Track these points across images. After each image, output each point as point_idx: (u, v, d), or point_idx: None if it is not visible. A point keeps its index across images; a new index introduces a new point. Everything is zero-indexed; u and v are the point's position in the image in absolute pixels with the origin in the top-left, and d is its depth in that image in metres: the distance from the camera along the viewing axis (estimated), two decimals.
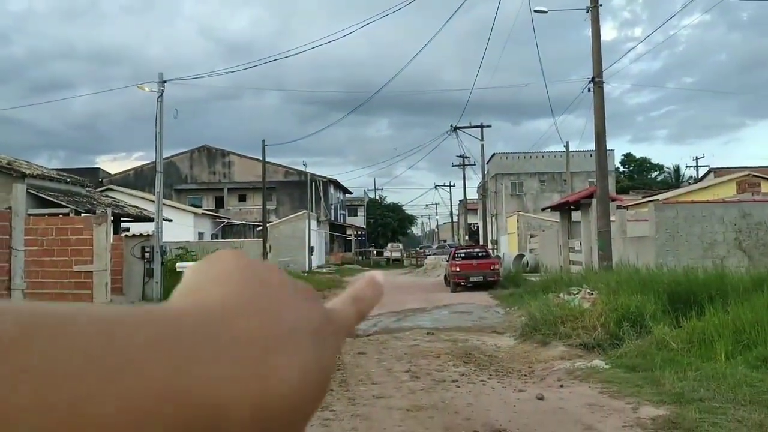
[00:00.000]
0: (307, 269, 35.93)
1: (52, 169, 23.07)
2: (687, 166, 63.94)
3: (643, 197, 31.60)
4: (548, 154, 50.98)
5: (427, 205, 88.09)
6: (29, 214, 13.88)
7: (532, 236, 33.49)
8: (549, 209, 26.32)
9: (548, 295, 12.11)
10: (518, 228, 37.31)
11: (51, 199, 17.01)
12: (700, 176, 48.89)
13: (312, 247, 39.84)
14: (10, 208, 10.68)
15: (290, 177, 49.14)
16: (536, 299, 11.94)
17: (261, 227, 33.53)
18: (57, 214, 14.98)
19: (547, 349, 8.82)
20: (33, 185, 16.64)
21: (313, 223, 42.35)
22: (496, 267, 22.24)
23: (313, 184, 47.31)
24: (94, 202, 19.30)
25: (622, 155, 68.69)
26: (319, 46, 33.46)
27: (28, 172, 17.71)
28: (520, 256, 29.57)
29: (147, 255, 15.76)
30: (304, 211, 41.41)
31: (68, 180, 20.30)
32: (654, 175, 68.38)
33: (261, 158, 33.74)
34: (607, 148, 16.52)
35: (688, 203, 16.89)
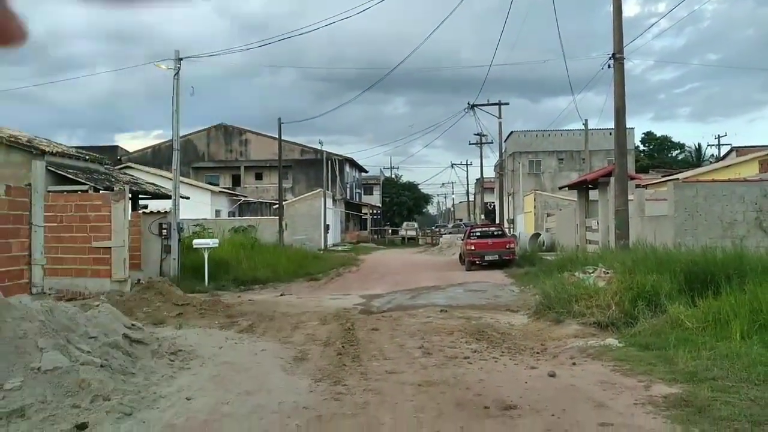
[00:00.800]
0: (322, 247, 36.11)
1: (72, 147, 23.31)
2: (709, 145, 62.59)
3: (663, 176, 31.15)
4: (567, 132, 50.33)
5: (443, 184, 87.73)
6: (49, 191, 14.07)
7: (548, 215, 33.24)
8: (566, 188, 26.07)
9: (563, 273, 12.05)
10: (535, 207, 37.05)
11: (70, 176, 17.20)
12: (722, 155, 47.99)
13: (327, 226, 39.97)
14: (29, 184, 10.82)
15: (306, 155, 49.15)
16: (551, 278, 11.89)
17: (277, 205, 33.67)
18: (76, 191, 15.16)
19: (560, 327, 8.80)
20: (52, 162, 16.83)
21: (329, 202, 42.45)
22: (512, 246, 22.16)
23: (329, 162, 47.28)
24: (113, 180, 19.49)
25: (643, 133, 67.61)
26: (336, 22, 33.15)
27: (47, 149, 17.89)
28: (537, 235, 29.41)
29: (164, 232, 15.94)
30: (320, 189, 41.47)
31: (87, 157, 20.50)
32: (675, 153, 67.26)
33: (277, 136, 33.76)
34: (627, 126, 16.25)
35: (708, 182, 16.61)
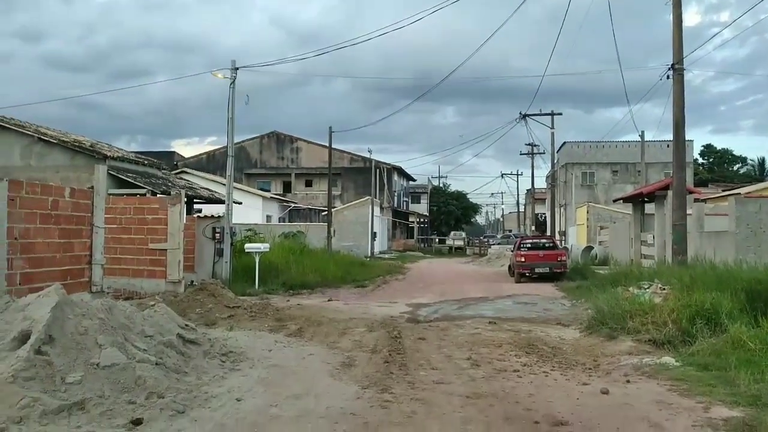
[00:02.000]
0: (369, 254, 36.25)
1: (131, 152, 24.22)
2: None
3: (724, 190, 29.94)
4: (622, 143, 49.09)
5: (492, 194, 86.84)
6: (109, 194, 14.63)
7: (602, 228, 32.42)
8: (621, 200, 25.37)
9: (617, 288, 11.71)
10: (588, 219, 36.20)
11: (129, 180, 17.86)
12: None
13: (375, 233, 40.13)
14: (92, 187, 11.28)
15: (355, 163, 49.57)
16: (604, 292, 11.57)
17: (326, 212, 34.03)
18: (135, 195, 15.71)
19: (614, 343, 8.55)
20: (113, 167, 17.52)
21: (377, 209, 42.62)
22: (563, 258, 21.70)
23: (378, 170, 47.52)
24: (169, 184, 20.13)
25: (702, 146, 65.40)
26: (388, 33, 33.39)
27: (108, 154, 18.66)
28: (589, 248, 28.72)
29: (217, 235, 16.32)
30: (368, 197, 41.71)
31: (145, 162, 21.25)
32: (736, 167, 64.68)
33: (327, 144, 34.17)
34: (686, 138, 15.71)
35: None
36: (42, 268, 9.69)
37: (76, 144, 18.36)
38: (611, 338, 8.79)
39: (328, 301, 14.62)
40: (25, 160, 17.80)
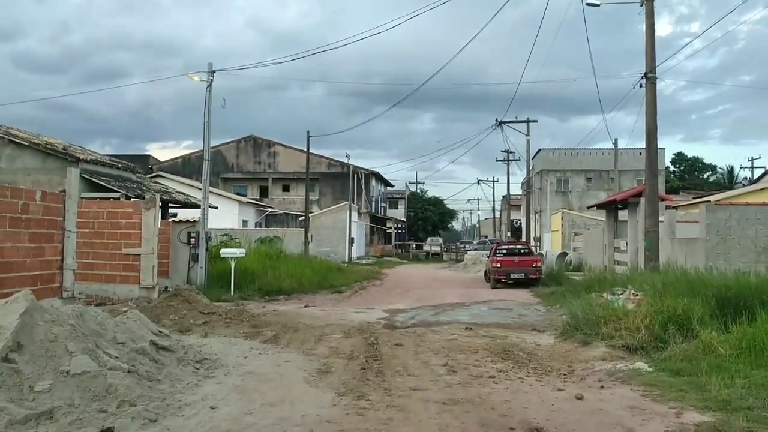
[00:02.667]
0: (347, 260, 36.16)
1: (105, 155, 23.84)
2: (742, 167, 61.35)
3: (694, 198, 30.56)
4: (596, 151, 49.82)
5: (469, 200, 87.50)
6: (82, 198, 14.38)
7: (576, 234, 32.82)
8: (595, 207, 25.75)
9: (591, 294, 11.86)
10: (562, 226, 36.63)
11: (103, 183, 17.56)
12: (755, 177, 46.92)
13: (352, 239, 40.07)
14: (64, 191, 11.07)
15: (333, 168, 49.47)
16: (579, 298, 11.71)
17: (303, 217, 33.88)
18: (108, 198, 15.47)
19: (588, 349, 8.64)
20: (86, 170, 17.21)
21: (354, 215, 42.57)
22: (538, 264, 21.91)
23: (356, 176, 47.50)
24: (144, 188, 19.84)
25: (673, 154, 66.63)
26: (366, 38, 33.47)
27: (82, 157, 18.33)
28: (564, 255, 29.05)
29: (193, 240, 16.13)
30: (346, 202, 41.65)
31: (120, 166, 20.94)
32: (706, 175, 66.05)
33: (305, 149, 34.07)
34: (658, 146, 16.02)
35: (741, 205, 16.24)
36: (11, 273, 9.47)
37: (48, 146, 18.00)
38: (585, 344, 8.88)
39: (305, 307, 14.53)
40: None
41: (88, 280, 12.91)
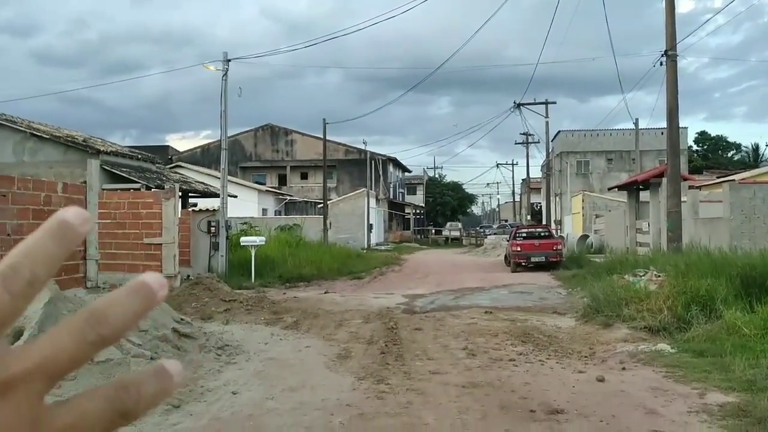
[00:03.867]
0: (365, 246, 36.26)
1: (125, 147, 24.10)
2: (767, 145, 60.10)
3: (718, 177, 30.00)
4: (616, 131, 49.09)
5: (488, 184, 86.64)
6: (103, 189, 14.57)
7: (597, 216, 32.48)
8: (616, 189, 25.41)
9: (613, 276, 11.74)
10: (583, 208, 36.27)
11: (123, 174, 17.75)
12: None
13: (371, 225, 40.14)
14: (85, 182, 11.24)
15: (350, 155, 49.44)
16: (600, 280, 11.60)
17: (322, 204, 33.99)
18: (129, 189, 15.64)
19: (609, 331, 8.57)
20: (107, 161, 17.41)
21: (372, 201, 42.60)
22: (559, 247, 21.72)
23: (373, 162, 47.46)
24: (164, 178, 20.04)
25: (696, 133, 65.36)
26: (379, 22, 33.22)
27: (102, 148, 18.53)
28: (585, 237, 28.78)
29: (213, 229, 16.27)
30: (364, 189, 41.68)
31: (139, 156, 21.15)
32: (731, 154, 64.76)
33: (322, 137, 34.08)
34: (680, 125, 15.72)
35: (766, 183, 15.91)
36: None
37: (69, 139, 18.22)
38: (607, 326, 8.81)
39: (325, 293, 14.62)
40: (17, 156, 17.68)
41: (112, 269, 13.12)
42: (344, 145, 50.16)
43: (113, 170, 17.54)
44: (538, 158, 49.56)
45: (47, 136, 17.84)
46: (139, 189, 16.16)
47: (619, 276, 11.55)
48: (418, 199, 65.79)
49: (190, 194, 21.35)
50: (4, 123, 17.99)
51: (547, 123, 35.03)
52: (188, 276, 14.34)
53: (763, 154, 57.69)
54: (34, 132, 17.79)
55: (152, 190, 15.76)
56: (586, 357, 7.27)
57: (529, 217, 46.81)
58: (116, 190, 15.24)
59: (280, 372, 6.55)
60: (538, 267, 20.64)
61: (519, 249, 21.47)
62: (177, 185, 15.94)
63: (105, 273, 12.53)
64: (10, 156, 17.61)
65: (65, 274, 10.13)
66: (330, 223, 32.09)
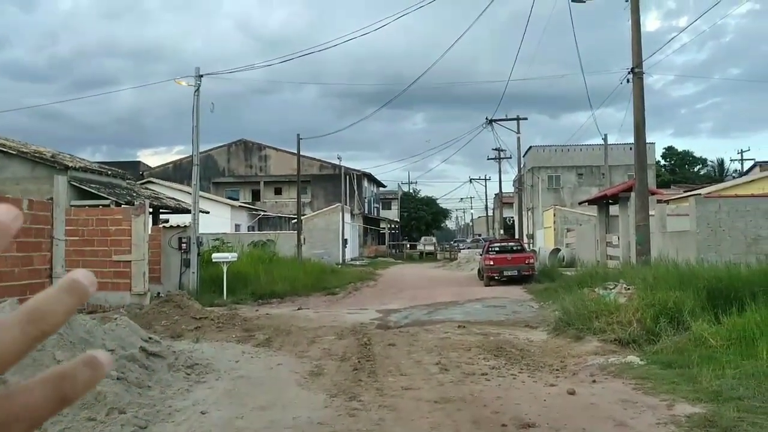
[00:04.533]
0: (340, 261, 36.12)
1: (95, 162, 23.71)
2: (732, 160, 61.77)
3: (685, 191, 30.71)
4: (586, 147, 49.97)
5: (461, 199, 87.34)
6: (71, 205, 14.28)
7: (568, 230, 32.91)
8: (586, 203, 25.83)
9: (584, 289, 11.88)
10: (555, 222, 36.72)
11: (92, 190, 17.45)
12: (745, 170, 47.23)
13: (346, 240, 40.03)
14: (51, 198, 11.01)
15: (325, 170, 49.40)
16: (571, 294, 11.72)
17: (296, 220, 33.83)
18: (98, 206, 15.37)
19: (580, 344, 8.66)
20: (75, 177, 17.11)
21: (347, 216, 42.55)
22: (531, 261, 21.94)
23: (347, 177, 47.47)
24: (134, 194, 19.74)
25: (664, 148, 66.90)
26: (355, 38, 33.49)
27: (70, 164, 18.22)
28: (556, 251, 29.12)
29: (184, 246, 16.05)
30: (338, 204, 41.61)
31: (109, 172, 20.82)
32: (697, 168, 66.42)
33: (296, 152, 34.00)
34: (648, 141, 16.09)
35: (731, 197, 16.35)
36: None
37: (37, 155, 17.87)
38: (578, 339, 8.90)
39: (298, 309, 14.49)
40: None
41: None
42: (319, 160, 50.12)
43: (82, 186, 17.23)
44: (510, 173, 50.31)
45: (14, 152, 17.47)
46: (108, 205, 15.88)
47: (590, 289, 11.69)
48: (393, 213, 65.93)
49: (161, 210, 21.07)
50: None
51: (518, 138, 35.53)
52: (158, 293, 14.10)
53: (727, 169, 59.26)
54: (1, 148, 17.41)
55: (122, 206, 15.51)
56: (557, 370, 7.33)
57: (502, 232, 47.25)
58: (84, 206, 14.97)
59: (250, 390, 6.46)
60: (511, 281, 20.80)
61: (492, 263, 21.62)
62: (147, 201, 15.71)
63: None
64: None
65: (30, 292, 9.86)
66: (304, 239, 31.91)
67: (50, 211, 10.88)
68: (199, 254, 16.24)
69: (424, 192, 79.90)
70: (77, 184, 16.82)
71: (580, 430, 5.07)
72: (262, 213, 42.69)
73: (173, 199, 23.55)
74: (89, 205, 15.40)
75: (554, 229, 36.06)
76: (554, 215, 37.24)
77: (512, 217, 53.83)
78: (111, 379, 5.43)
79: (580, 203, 30.69)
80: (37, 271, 10.36)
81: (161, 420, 5.23)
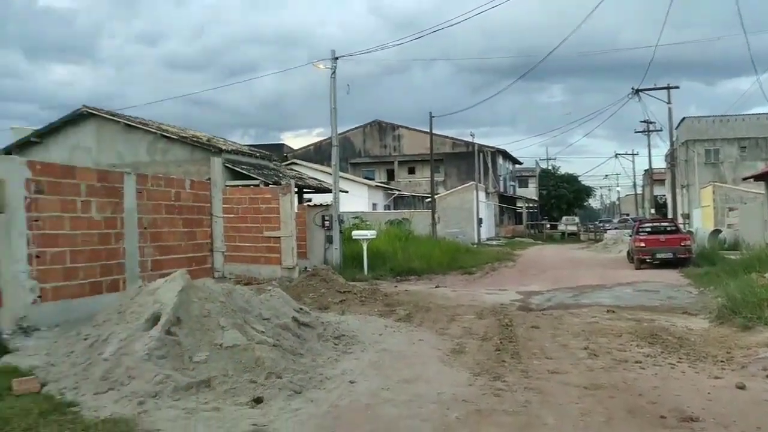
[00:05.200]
0: (476, 241, 35.82)
1: (244, 145, 25.45)
2: None
3: None
4: (750, 116, 44.86)
5: (606, 176, 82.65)
6: (226, 185, 15.45)
7: (730, 210, 29.90)
8: (752, 179, 23.22)
9: (751, 274, 10.71)
10: (714, 201, 33.53)
11: (243, 171, 18.75)
12: None
13: (480, 219, 39.57)
14: (209, 179, 11.97)
15: (458, 148, 49.03)
16: (736, 279, 10.64)
17: (429, 199, 34.00)
18: (249, 185, 16.48)
19: (749, 334, 7.82)
20: (228, 159, 18.47)
21: (482, 195, 41.98)
22: (687, 243, 20.21)
23: (481, 154, 46.78)
24: (280, 175, 20.93)
25: None
26: (486, 11, 32.50)
27: (224, 147, 19.70)
28: (717, 232, 26.57)
29: (326, 223, 16.77)
30: (472, 182, 41.17)
31: (258, 155, 22.24)
32: None
33: (429, 131, 34.05)
34: None
35: None
36: (169, 256, 10.43)
37: (195, 139, 19.54)
38: (746, 329, 8.05)
39: (436, 287, 14.58)
40: (151, 155, 19.22)
41: (235, 261, 13.89)
42: (451, 138, 49.84)
43: (234, 167, 18.58)
44: (661, 147, 46.41)
45: (175, 137, 19.23)
46: (258, 185, 16.98)
47: (759, 274, 10.51)
48: (531, 192, 63.99)
49: (304, 190, 22.16)
50: (138, 125, 19.61)
51: (669, 109, 32.63)
52: (305, 268, 14.87)
53: None
54: (164, 133, 19.24)
55: (270, 186, 16.51)
56: (722, 362, 6.67)
57: (652, 211, 43.87)
58: (237, 186, 16.11)
59: (394, 363, 6.59)
60: (665, 264, 19.33)
61: (643, 245, 20.23)
62: (293, 181, 16.57)
63: (230, 264, 13.30)
64: (145, 155, 19.18)
65: (195, 264, 10.85)
66: (438, 218, 32.02)
67: (209, 190, 11.85)
68: (341, 231, 16.90)
69: (564, 169, 76.55)
70: (230, 166, 18.16)
71: (754, 429, 4.57)
72: (397, 192, 43.44)
73: (315, 179, 24.67)
74: (241, 185, 16.56)
75: (713, 208, 32.95)
76: (713, 193, 34.01)
77: (664, 196, 49.91)
78: (268, 345, 5.80)
79: (744, 179, 27.69)
80: (199, 245, 11.35)
81: (314, 387, 5.49)
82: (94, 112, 19.79)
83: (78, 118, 19.86)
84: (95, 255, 8.82)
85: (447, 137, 49.31)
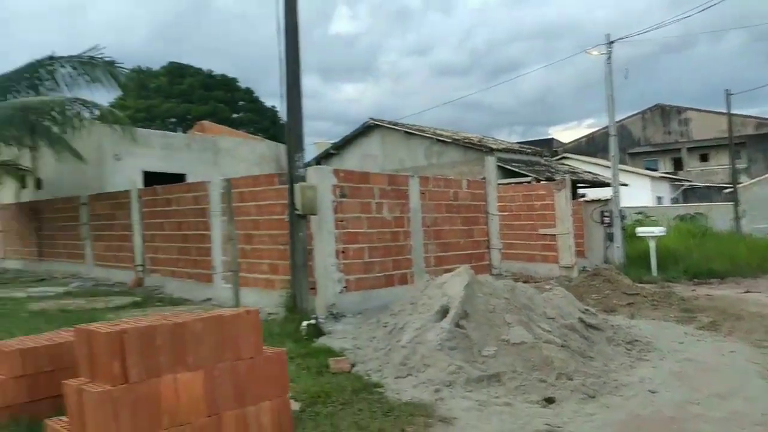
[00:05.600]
0: None
1: (513, 143, 25.45)
2: None
3: None
4: None
5: None
6: (498, 183, 15.57)
7: None
8: None
9: None
10: None
11: (514, 169, 18.74)
12: None
13: None
14: (484, 178, 12.14)
15: (763, 129, 41.75)
16: None
17: (729, 190, 29.56)
18: (521, 183, 16.37)
19: None
20: (499, 158, 18.64)
21: None
22: None
23: None
24: (552, 170, 20.38)
25: None
26: None
27: (494, 147, 19.96)
28: None
29: (606, 219, 15.73)
30: None
31: (527, 151, 22.01)
32: None
33: (725, 111, 29.59)
34: None
35: None
36: (449, 252, 10.88)
37: (466, 141, 20.19)
38: None
39: (746, 292, 12.51)
40: (428, 159, 20.45)
41: (510, 259, 13.89)
42: (755, 117, 42.66)
43: (505, 166, 18.68)
44: None
45: (449, 140, 20.13)
46: (529, 182, 16.76)
47: None
48: None
49: (578, 185, 21.21)
50: (415, 132, 21.03)
51: None
52: (584, 267, 14.17)
53: None
54: (439, 137, 20.30)
55: (542, 182, 16.14)
56: None
57: None
58: (510, 184, 16.13)
59: (701, 375, 5.78)
60: None
61: None
62: (567, 176, 15.94)
63: (505, 262, 13.34)
64: (422, 159, 20.48)
65: (474, 261, 11.12)
66: (743, 211, 27.66)
67: (484, 189, 12.02)
68: (622, 228, 15.69)
69: None
70: (501, 164, 18.30)
71: None
72: (687, 183, 38.85)
73: (589, 173, 23.45)
74: (514, 183, 16.53)
75: None
76: None
77: None
78: (556, 345, 5.58)
79: None
80: (477, 242, 11.60)
81: (608, 392, 5.11)
82: (378, 123, 21.88)
83: (366, 129, 22.17)
84: (387, 251, 9.64)
85: (749, 116, 42.38)
